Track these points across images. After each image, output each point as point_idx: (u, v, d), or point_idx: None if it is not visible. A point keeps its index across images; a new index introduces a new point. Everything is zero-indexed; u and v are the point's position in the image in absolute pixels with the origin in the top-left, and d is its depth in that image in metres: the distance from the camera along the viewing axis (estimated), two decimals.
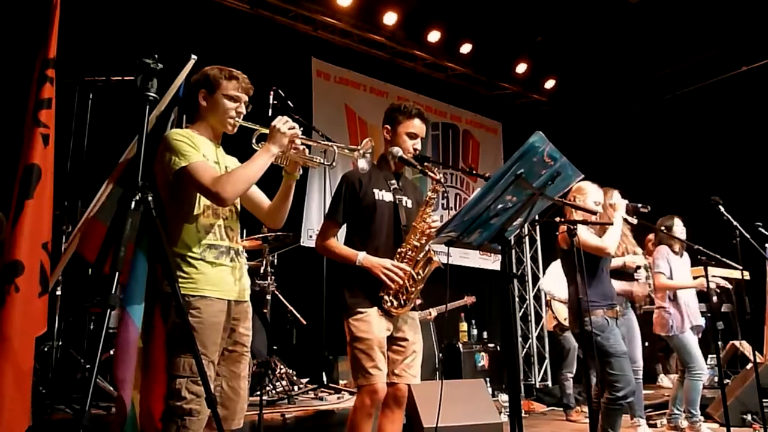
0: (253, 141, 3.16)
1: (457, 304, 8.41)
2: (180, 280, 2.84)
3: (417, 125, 3.74)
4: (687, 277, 6.00)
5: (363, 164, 3.24)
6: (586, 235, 4.59)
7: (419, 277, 3.59)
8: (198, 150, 2.94)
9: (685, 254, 6.04)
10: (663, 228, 6.04)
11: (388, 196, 3.68)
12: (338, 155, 3.20)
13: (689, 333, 5.85)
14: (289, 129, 3.01)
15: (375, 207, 3.62)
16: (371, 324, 3.46)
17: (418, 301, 7.29)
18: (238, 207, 3.21)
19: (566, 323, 7.62)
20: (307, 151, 3.16)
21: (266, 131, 3.06)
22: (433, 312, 8.07)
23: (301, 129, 3.10)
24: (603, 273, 4.75)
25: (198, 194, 2.95)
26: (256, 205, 3.32)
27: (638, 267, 5.75)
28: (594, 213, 4.39)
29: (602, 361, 4.44)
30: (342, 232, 3.74)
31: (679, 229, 6.05)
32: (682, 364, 5.98)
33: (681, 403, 5.95)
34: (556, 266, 8.28)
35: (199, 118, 3.14)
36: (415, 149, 3.72)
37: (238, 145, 3.25)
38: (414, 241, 3.57)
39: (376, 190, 3.65)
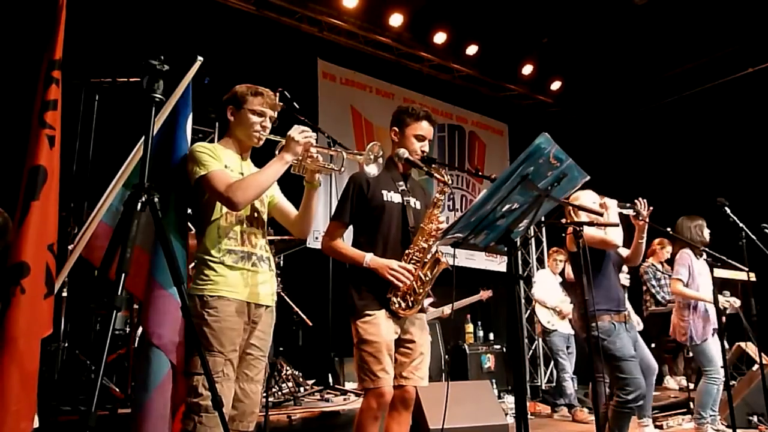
0: (276, 152, 3.22)
1: (473, 299, 8.34)
2: (201, 281, 3.02)
3: (425, 127, 3.75)
4: (707, 279, 5.94)
5: (373, 170, 3.26)
6: (591, 230, 4.58)
7: (427, 278, 3.58)
8: (219, 160, 3.10)
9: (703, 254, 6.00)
10: (694, 227, 6.00)
11: (396, 197, 3.68)
12: (346, 159, 3.25)
13: (710, 339, 5.82)
14: (303, 138, 3.09)
15: (384, 208, 3.62)
16: (379, 326, 3.46)
17: (431, 300, 7.33)
18: (264, 216, 3.34)
19: (550, 326, 7.72)
20: (320, 158, 3.25)
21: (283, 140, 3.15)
22: (447, 310, 8.02)
23: (316, 138, 3.18)
24: (610, 275, 4.73)
25: (217, 201, 3.09)
26: (284, 216, 3.46)
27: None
28: (600, 214, 4.38)
29: (611, 365, 4.43)
30: (348, 233, 3.74)
31: (707, 231, 6.01)
32: (701, 367, 5.97)
33: (715, 405, 5.92)
34: (543, 274, 8.45)
35: (228, 132, 3.33)
36: (423, 151, 3.72)
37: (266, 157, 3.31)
38: (422, 243, 3.57)
39: (384, 191, 3.65)
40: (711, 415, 5.89)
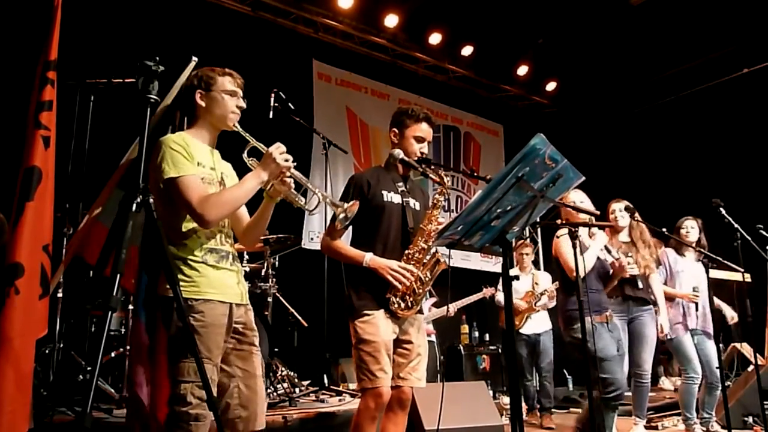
0: (245, 154, 3.10)
1: (476, 297, 8.27)
2: (182, 283, 2.79)
3: (424, 129, 3.74)
4: (696, 277, 5.94)
5: (341, 219, 3.22)
6: (566, 250, 4.63)
7: (427, 279, 3.57)
8: (192, 160, 2.89)
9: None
10: (681, 227, 6.06)
11: (396, 198, 3.67)
12: (326, 188, 3.16)
13: (687, 336, 5.83)
14: (283, 161, 2.94)
15: (384, 208, 3.61)
16: (378, 326, 3.45)
17: (434, 300, 7.31)
18: None
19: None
20: (293, 185, 3.10)
21: (260, 146, 3.01)
22: (452, 309, 7.97)
23: (294, 164, 3.02)
24: (590, 277, 4.76)
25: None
26: (237, 221, 3.25)
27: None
28: (596, 215, 4.38)
29: (594, 365, 4.46)
30: (347, 233, 3.73)
31: (685, 231, 6.03)
32: (679, 365, 6.01)
33: (710, 408, 5.94)
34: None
35: (198, 119, 3.08)
36: (422, 153, 3.71)
37: (232, 153, 3.23)
38: (421, 243, 3.56)
39: (384, 192, 3.64)
40: (704, 418, 5.90)
